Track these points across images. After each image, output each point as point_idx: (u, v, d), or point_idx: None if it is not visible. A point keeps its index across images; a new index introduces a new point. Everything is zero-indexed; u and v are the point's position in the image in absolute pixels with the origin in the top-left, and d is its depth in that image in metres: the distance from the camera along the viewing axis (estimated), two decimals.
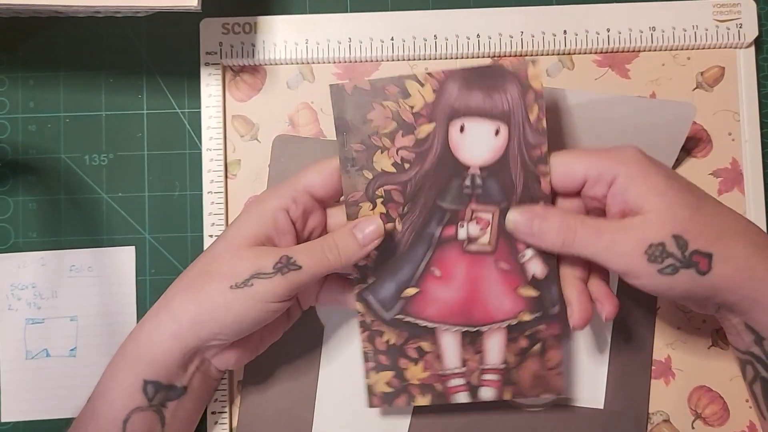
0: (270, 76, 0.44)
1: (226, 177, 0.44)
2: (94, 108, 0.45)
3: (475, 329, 0.39)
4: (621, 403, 0.42)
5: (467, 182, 0.37)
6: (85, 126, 0.44)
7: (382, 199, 0.37)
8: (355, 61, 0.44)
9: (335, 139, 0.37)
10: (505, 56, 0.44)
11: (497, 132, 0.37)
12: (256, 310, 0.35)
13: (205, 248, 0.43)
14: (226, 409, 0.42)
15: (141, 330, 0.37)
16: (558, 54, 0.44)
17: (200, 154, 0.44)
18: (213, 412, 0.42)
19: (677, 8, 0.44)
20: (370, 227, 0.36)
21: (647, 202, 0.34)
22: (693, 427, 0.43)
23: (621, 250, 0.34)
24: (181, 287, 0.37)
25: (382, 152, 0.37)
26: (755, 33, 0.44)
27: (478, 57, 0.44)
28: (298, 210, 0.37)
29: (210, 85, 0.44)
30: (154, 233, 0.44)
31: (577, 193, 0.37)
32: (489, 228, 0.38)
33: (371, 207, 0.37)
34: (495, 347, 0.39)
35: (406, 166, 0.37)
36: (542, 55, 0.44)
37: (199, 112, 0.44)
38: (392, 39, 0.44)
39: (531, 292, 0.38)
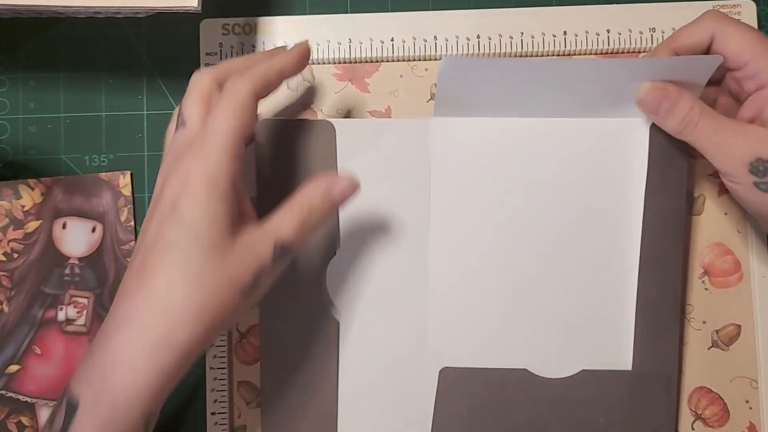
0: None
1: None
2: (95, 109, 0.45)
3: None
4: (650, 364, 0.41)
5: (67, 270, 0.42)
6: (85, 127, 0.44)
7: None
8: (355, 62, 0.44)
9: (319, 118, 0.40)
10: (505, 56, 0.44)
11: (94, 229, 0.43)
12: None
13: None
14: (226, 409, 0.42)
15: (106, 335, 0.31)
16: (558, 54, 0.44)
17: None
18: (213, 413, 0.42)
19: (677, 9, 0.44)
20: (344, 183, 0.35)
21: None
22: (693, 428, 0.43)
23: (729, 152, 0.36)
24: (180, 304, 0.30)
25: None
26: None
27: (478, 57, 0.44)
28: (263, 89, 0.35)
29: None
30: None
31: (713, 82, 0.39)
32: (85, 311, 0.42)
33: None
34: None
35: (15, 255, 0.42)
36: (542, 55, 0.44)
37: None
38: (392, 40, 0.44)
39: None
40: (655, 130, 0.40)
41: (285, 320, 0.41)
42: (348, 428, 0.41)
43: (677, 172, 0.41)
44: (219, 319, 0.31)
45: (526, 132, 0.41)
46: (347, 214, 0.41)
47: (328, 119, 0.42)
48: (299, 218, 0.34)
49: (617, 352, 0.41)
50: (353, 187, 0.36)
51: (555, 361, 0.41)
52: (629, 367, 0.41)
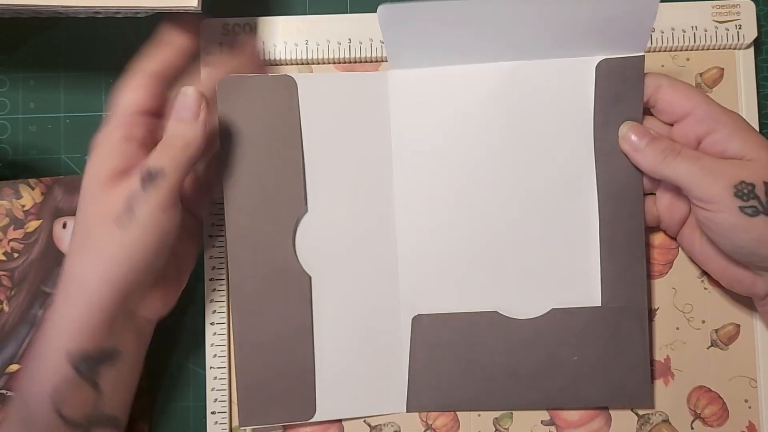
0: None
1: None
2: (95, 108, 0.45)
3: None
4: (619, 298, 0.41)
5: None
6: (85, 126, 0.45)
7: None
8: (355, 62, 0.44)
9: (284, 74, 0.41)
10: None
11: None
12: (153, 234, 0.35)
13: (205, 245, 0.43)
14: (226, 409, 0.42)
15: (54, 308, 0.36)
16: None
17: None
18: (213, 412, 0.42)
19: (676, 9, 0.44)
20: (187, 101, 0.37)
21: (750, 151, 0.37)
22: (692, 428, 0.43)
23: (714, 177, 0.37)
24: (74, 248, 0.36)
25: None
26: (754, 34, 0.44)
27: None
28: (137, 132, 0.37)
29: None
30: None
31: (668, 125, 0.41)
32: None
33: None
34: None
35: (15, 255, 0.42)
36: None
37: None
38: None
39: None
40: (602, 67, 0.41)
41: (255, 279, 0.41)
42: (326, 383, 0.41)
43: (631, 105, 0.41)
44: (114, 250, 0.35)
45: (479, 78, 0.41)
46: (312, 171, 0.41)
47: (289, 74, 0.42)
48: (163, 144, 0.36)
49: (586, 289, 0.42)
50: (196, 100, 0.37)
51: (525, 301, 0.42)
52: (599, 304, 0.41)
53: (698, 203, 0.38)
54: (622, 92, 0.41)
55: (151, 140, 0.37)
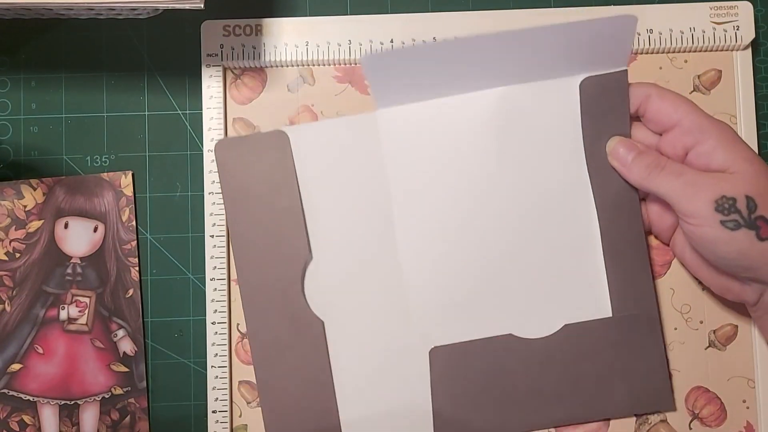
0: (270, 79, 0.45)
1: None
2: (96, 109, 0.45)
3: (72, 402, 0.43)
4: (630, 306, 0.42)
5: (69, 270, 0.43)
6: (86, 127, 0.45)
7: None
8: (356, 64, 0.44)
9: (277, 128, 0.42)
10: None
11: (95, 229, 0.43)
12: None
13: (206, 248, 0.43)
14: (227, 409, 0.43)
15: None
16: None
17: (201, 155, 0.44)
18: (213, 411, 0.43)
19: (674, 10, 0.44)
20: None
21: (734, 164, 0.37)
22: (690, 428, 0.43)
23: (695, 192, 0.37)
24: None
25: None
26: (752, 35, 0.44)
27: None
28: None
29: (211, 87, 0.44)
30: (155, 234, 0.44)
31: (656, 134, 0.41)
32: (87, 310, 0.43)
33: None
34: (90, 419, 0.43)
35: (17, 255, 0.42)
36: None
37: (201, 114, 0.44)
38: (392, 41, 0.44)
39: (122, 368, 0.43)
40: (585, 84, 0.41)
41: (271, 328, 0.42)
42: (351, 423, 0.42)
43: (618, 118, 0.41)
44: None
45: (468, 107, 0.42)
46: (314, 218, 0.42)
47: (280, 128, 0.42)
48: None
49: (595, 301, 0.42)
50: None
51: (537, 321, 0.42)
52: (609, 314, 0.42)
53: (682, 217, 0.38)
54: (608, 107, 0.41)
55: None
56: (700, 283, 0.44)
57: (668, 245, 0.43)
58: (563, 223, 0.42)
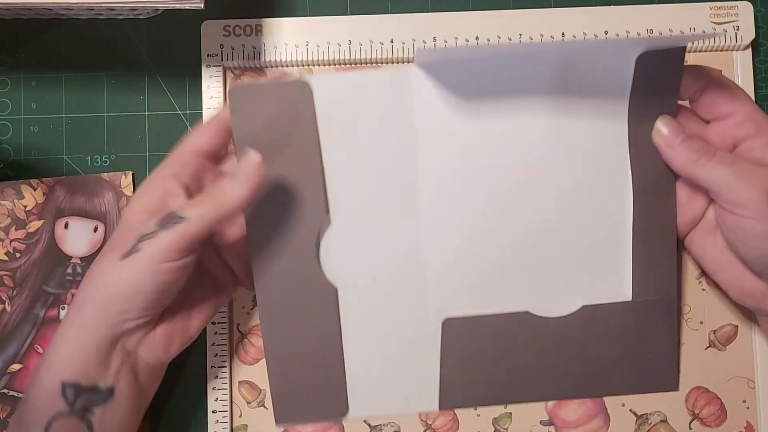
0: None
1: None
2: (96, 109, 0.45)
3: None
4: (650, 291, 0.41)
5: (69, 270, 0.43)
6: (87, 127, 0.45)
7: None
8: (356, 64, 0.44)
9: (295, 79, 0.39)
10: None
11: (95, 229, 0.43)
12: (151, 274, 0.34)
13: None
14: (227, 409, 0.43)
15: (57, 332, 0.35)
16: None
17: None
18: (214, 411, 0.43)
19: (674, 11, 0.44)
20: (249, 165, 0.36)
21: None
22: (690, 428, 0.43)
23: (748, 183, 0.36)
24: (88, 272, 0.36)
25: None
26: (752, 35, 0.44)
27: None
28: (186, 172, 0.37)
29: (211, 87, 0.44)
30: None
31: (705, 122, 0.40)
32: None
33: None
34: None
35: (17, 255, 0.42)
36: None
37: (201, 114, 0.44)
38: (392, 41, 0.44)
39: None
40: (642, 58, 0.39)
41: (281, 292, 0.40)
42: (357, 393, 0.41)
43: (666, 97, 0.40)
44: (110, 280, 0.35)
45: (512, 69, 0.39)
46: (333, 179, 0.40)
47: (302, 79, 0.39)
48: (204, 194, 0.36)
49: (616, 283, 0.41)
50: (258, 168, 0.36)
51: (555, 299, 0.41)
52: (629, 298, 0.41)
53: (728, 207, 0.37)
54: (660, 85, 0.39)
55: (196, 182, 0.38)
56: (700, 283, 0.44)
57: (683, 242, 0.42)
58: (596, 202, 0.41)
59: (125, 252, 0.34)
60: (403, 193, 0.40)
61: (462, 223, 0.41)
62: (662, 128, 0.39)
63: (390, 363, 0.41)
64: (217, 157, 0.39)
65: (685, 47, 0.39)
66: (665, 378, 0.42)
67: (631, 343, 0.41)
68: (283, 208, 0.40)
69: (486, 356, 0.41)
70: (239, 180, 0.36)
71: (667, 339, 0.41)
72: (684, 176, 0.39)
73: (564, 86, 0.40)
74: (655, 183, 0.40)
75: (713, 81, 0.38)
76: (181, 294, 0.36)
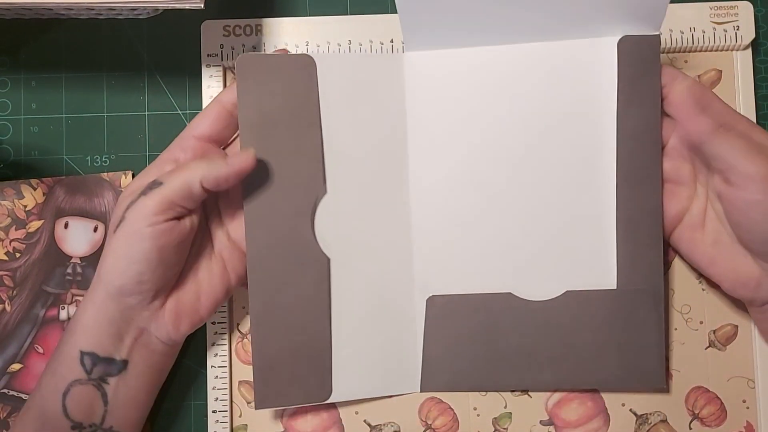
0: None
1: None
2: (96, 109, 0.45)
3: None
4: (636, 281, 0.41)
5: (69, 270, 0.43)
6: (87, 127, 0.45)
7: None
8: None
9: (304, 53, 0.41)
10: None
11: (95, 229, 0.43)
12: (138, 240, 0.35)
13: None
14: (227, 408, 0.43)
15: (83, 300, 0.38)
16: None
17: None
18: (214, 411, 0.43)
19: (674, 11, 0.44)
20: (242, 154, 0.38)
21: None
22: (690, 428, 0.43)
23: (765, 157, 0.36)
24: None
25: None
26: (752, 35, 0.44)
27: None
28: (186, 156, 0.38)
29: (211, 87, 0.44)
30: None
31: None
32: None
33: None
34: None
35: (17, 255, 0.43)
36: None
37: None
38: (392, 41, 0.44)
39: None
40: (623, 44, 0.40)
41: (272, 260, 0.40)
42: (341, 364, 0.41)
43: (650, 85, 0.40)
44: (107, 254, 0.37)
45: (496, 60, 0.41)
46: (330, 152, 0.41)
47: (308, 53, 0.42)
48: (185, 164, 0.37)
49: (601, 271, 0.41)
50: (249, 160, 0.37)
51: (539, 283, 0.42)
52: (614, 286, 0.41)
53: (738, 181, 0.36)
54: (642, 71, 0.40)
55: None
56: (700, 283, 0.44)
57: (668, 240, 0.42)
58: (580, 187, 0.41)
59: (116, 224, 0.36)
60: (394, 170, 0.42)
61: (448, 203, 0.42)
62: (685, 94, 0.38)
63: (375, 341, 0.42)
64: (223, 142, 0.40)
65: (659, 35, 0.40)
66: (652, 374, 0.41)
67: (616, 334, 0.41)
68: (282, 176, 0.40)
69: (469, 336, 0.42)
70: (228, 160, 0.37)
71: (653, 332, 0.41)
72: (697, 145, 0.38)
73: (551, 72, 0.41)
74: (639, 172, 0.41)
75: (679, 82, 0.39)
76: (188, 273, 0.39)
